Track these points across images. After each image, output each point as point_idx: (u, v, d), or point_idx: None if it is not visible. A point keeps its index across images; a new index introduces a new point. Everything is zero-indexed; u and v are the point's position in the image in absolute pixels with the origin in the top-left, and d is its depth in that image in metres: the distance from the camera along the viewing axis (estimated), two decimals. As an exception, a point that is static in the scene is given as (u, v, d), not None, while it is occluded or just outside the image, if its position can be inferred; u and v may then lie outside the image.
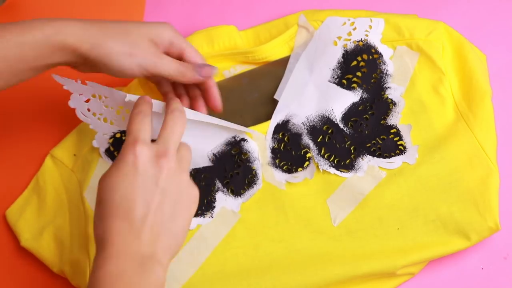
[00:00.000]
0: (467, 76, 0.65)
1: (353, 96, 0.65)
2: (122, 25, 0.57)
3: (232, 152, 0.64)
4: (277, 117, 0.66)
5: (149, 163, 0.49)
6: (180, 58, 0.60)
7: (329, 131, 0.64)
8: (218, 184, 0.64)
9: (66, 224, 0.66)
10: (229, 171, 0.64)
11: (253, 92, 0.68)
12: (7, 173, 0.71)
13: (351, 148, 0.64)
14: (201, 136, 0.63)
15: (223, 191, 0.63)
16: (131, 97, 0.57)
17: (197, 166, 0.64)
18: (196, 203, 0.51)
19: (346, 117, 0.65)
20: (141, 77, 0.59)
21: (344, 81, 0.66)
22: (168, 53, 0.60)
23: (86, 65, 0.57)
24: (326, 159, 0.63)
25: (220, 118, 0.63)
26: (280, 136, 0.65)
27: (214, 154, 0.64)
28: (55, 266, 0.65)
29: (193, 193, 0.51)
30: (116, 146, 0.65)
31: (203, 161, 0.64)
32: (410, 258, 0.61)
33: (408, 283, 0.63)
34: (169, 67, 0.58)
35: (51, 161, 0.68)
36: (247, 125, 0.66)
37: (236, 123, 0.64)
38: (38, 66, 0.55)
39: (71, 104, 0.62)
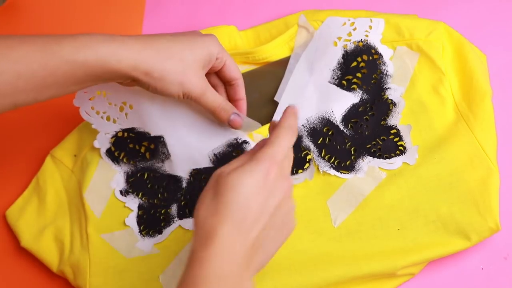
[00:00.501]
0: (467, 76, 0.65)
1: (353, 98, 0.65)
2: (177, 45, 0.57)
3: (234, 154, 0.63)
4: (278, 119, 0.66)
5: (275, 182, 0.49)
6: (219, 70, 0.62)
7: (329, 133, 0.64)
8: None
9: (66, 225, 0.66)
10: None
11: (254, 93, 0.68)
12: (7, 173, 0.71)
13: (351, 150, 0.64)
14: (203, 134, 0.63)
15: None
16: None
17: (198, 167, 0.64)
18: (291, 233, 0.52)
19: (346, 118, 0.65)
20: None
21: (344, 82, 0.66)
22: (212, 66, 0.60)
23: (132, 83, 0.58)
24: (326, 160, 0.63)
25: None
26: None
27: (215, 155, 0.63)
28: (55, 266, 0.65)
29: (292, 224, 0.51)
30: (118, 146, 0.65)
31: (204, 161, 0.64)
32: (411, 259, 0.61)
33: (408, 283, 0.63)
34: (212, 102, 0.60)
35: (51, 161, 0.68)
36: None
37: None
38: (83, 83, 0.55)
39: (76, 102, 0.62)
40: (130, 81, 0.57)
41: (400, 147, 0.64)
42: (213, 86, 0.63)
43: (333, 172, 0.63)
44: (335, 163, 0.63)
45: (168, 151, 0.63)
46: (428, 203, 0.62)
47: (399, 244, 0.61)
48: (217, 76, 0.63)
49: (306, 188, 0.63)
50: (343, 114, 0.65)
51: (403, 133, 0.64)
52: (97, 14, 0.77)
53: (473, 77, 0.65)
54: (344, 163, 0.63)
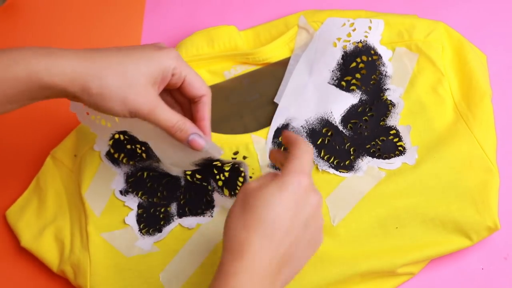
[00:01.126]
0: (467, 76, 0.65)
1: (352, 99, 0.65)
2: (122, 59, 0.52)
3: (214, 164, 0.62)
4: (277, 121, 0.66)
5: (306, 195, 0.49)
6: (180, 87, 0.56)
7: (329, 134, 0.64)
8: (213, 184, 0.63)
9: (66, 224, 0.66)
10: (219, 174, 0.63)
11: (254, 93, 0.68)
12: (7, 174, 0.71)
13: (351, 150, 0.64)
14: (179, 147, 0.59)
15: (218, 191, 0.63)
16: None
17: (187, 169, 0.64)
18: (318, 248, 0.52)
19: (345, 119, 0.65)
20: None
21: (343, 83, 0.66)
22: (168, 83, 0.55)
23: (75, 99, 0.53)
24: (325, 160, 0.63)
25: (221, 119, 0.62)
26: (280, 140, 0.65)
27: (196, 164, 0.61)
28: (55, 266, 0.65)
29: (321, 240, 0.51)
30: (116, 148, 0.65)
31: (189, 167, 0.62)
32: (409, 257, 0.61)
33: (408, 283, 0.63)
34: (165, 121, 0.54)
35: (51, 161, 0.68)
36: (247, 126, 0.66)
37: (236, 124, 0.64)
38: (20, 101, 0.51)
39: (72, 109, 0.62)
40: (71, 97, 0.52)
41: (400, 148, 0.64)
42: (176, 104, 0.59)
43: (332, 171, 0.63)
44: (334, 163, 0.63)
45: (156, 155, 0.63)
46: (426, 202, 0.62)
47: (397, 242, 0.61)
48: (180, 93, 0.58)
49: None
50: (342, 115, 0.65)
51: (402, 133, 0.64)
52: (97, 14, 0.77)
53: (472, 77, 0.65)
54: (344, 162, 0.63)
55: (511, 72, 0.70)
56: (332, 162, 0.63)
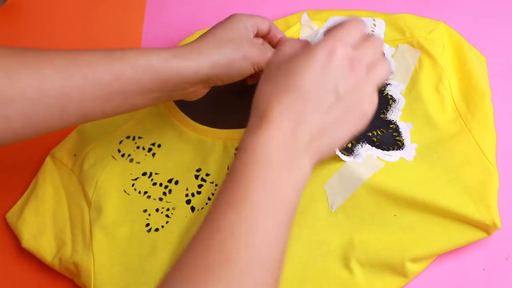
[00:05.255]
0: (466, 76, 0.65)
1: None
2: (216, 37, 0.57)
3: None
4: None
5: (340, 66, 0.48)
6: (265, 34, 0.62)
7: None
8: None
9: (67, 224, 0.66)
10: None
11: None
12: (7, 174, 0.71)
13: None
14: None
15: None
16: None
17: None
18: (365, 122, 0.51)
19: None
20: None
21: None
22: (258, 33, 0.61)
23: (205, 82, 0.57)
24: None
25: (223, 115, 0.63)
26: None
27: None
28: (56, 265, 0.65)
29: (367, 110, 0.51)
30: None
31: None
32: (407, 247, 0.60)
33: (408, 283, 0.63)
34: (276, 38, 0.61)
35: (51, 161, 0.68)
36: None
37: (242, 122, 0.64)
38: (152, 92, 0.54)
39: None
40: (191, 87, 0.56)
41: (399, 142, 0.64)
42: None
43: (336, 149, 0.62)
44: None
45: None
46: (426, 194, 0.61)
47: (394, 230, 0.61)
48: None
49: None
50: None
51: (402, 129, 0.64)
52: (97, 14, 0.77)
53: (472, 77, 0.65)
54: (346, 144, 0.63)
55: (511, 73, 0.70)
56: None
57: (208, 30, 0.59)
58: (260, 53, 0.57)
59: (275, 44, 0.63)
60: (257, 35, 0.61)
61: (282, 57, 0.50)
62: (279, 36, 0.63)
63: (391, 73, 0.66)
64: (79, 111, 0.52)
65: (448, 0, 0.73)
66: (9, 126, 0.49)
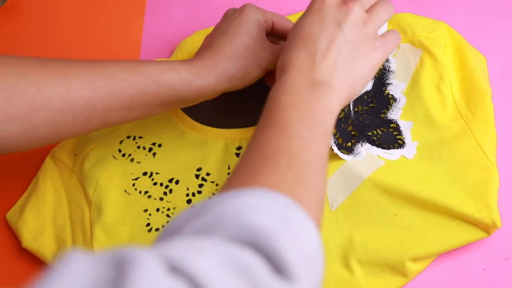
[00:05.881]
0: (467, 76, 0.66)
1: None
2: (229, 44, 0.59)
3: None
4: None
5: (334, 5, 0.53)
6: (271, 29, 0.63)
7: (340, 114, 0.63)
8: None
9: (67, 224, 0.66)
10: None
11: (261, 91, 0.68)
12: (7, 174, 0.71)
13: (352, 133, 0.64)
14: None
15: None
16: None
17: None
18: (380, 54, 0.55)
19: (355, 102, 0.65)
20: None
21: None
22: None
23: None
24: (332, 135, 0.62)
25: (224, 115, 0.62)
26: None
27: None
28: (57, 265, 0.65)
29: (375, 43, 0.54)
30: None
31: None
32: (407, 246, 0.61)
33: (408, 283, 0.63)
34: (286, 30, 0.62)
35: (51, 161, 0.68)
36: (254, 120, 0.66)
37: (240, 119, 0.64)
38: (172, 104, 0.58)
39: None
40: (205, 98, 0.59)
41: (399, 141, 0.64)
42: None
43: (335, 148, 0.62)
44: (339, 141, 0.63)
45: None
46: (426, 192, 0.62)
47: (394, 229, 0.61)
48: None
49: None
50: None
51: (403, 128, 0.64)
52: (97, 14, 0.77)
53: (472, 77, 0.65)
54: (346, 143, 0.63)
55: (511, 72, 0.70)
56: (337, 139, 0.63)
57: (223, 25, 0.61)
58: (272, 57, 0.60)
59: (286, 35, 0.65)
60: (267, 30, 0.62)
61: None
62: (289, 27, 0.65)
63: (393, 72, 0.66)
64: (103, 120, 0.55)
65: (448, 0, 0.73)
66: (37, 132, 0.52)
